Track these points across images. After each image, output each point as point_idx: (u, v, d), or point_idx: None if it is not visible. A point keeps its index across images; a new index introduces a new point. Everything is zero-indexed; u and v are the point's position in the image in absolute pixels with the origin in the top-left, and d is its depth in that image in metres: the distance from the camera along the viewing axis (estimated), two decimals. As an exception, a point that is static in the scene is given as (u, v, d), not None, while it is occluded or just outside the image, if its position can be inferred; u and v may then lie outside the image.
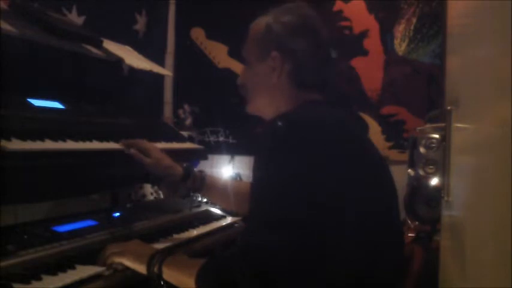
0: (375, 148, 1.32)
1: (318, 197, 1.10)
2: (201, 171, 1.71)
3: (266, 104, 1.38)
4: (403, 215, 2.44)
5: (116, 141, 1.60)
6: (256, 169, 1.17)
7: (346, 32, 3.03)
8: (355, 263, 1.14)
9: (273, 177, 1.13)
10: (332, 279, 1.12)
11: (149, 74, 2.24)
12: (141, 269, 1.27)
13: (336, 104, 1.36)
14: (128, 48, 2.26)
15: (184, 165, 1.67)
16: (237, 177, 3.07)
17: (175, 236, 1.66)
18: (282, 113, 1.24)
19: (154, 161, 1.57)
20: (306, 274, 1.10)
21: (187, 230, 1.74)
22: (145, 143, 1.60)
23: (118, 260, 1.30)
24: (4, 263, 1.18)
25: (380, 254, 1.18)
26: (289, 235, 1.08)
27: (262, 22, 1.36)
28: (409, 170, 2.31)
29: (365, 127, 1.49)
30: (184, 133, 2.26)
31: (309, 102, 1.32)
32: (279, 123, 1.16)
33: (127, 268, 1.30)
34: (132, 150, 1.56)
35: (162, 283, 1.24)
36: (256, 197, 1.17)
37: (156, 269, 1.24)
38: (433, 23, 2.90)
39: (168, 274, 1.23)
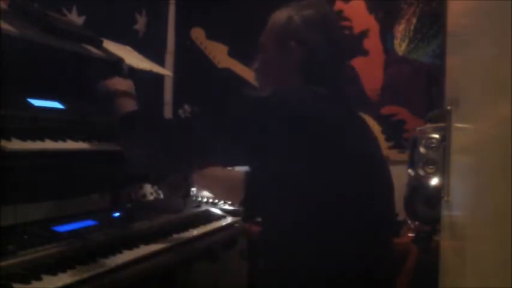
0: (361, 145, 1.38)
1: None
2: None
3: (270, 83, 1.45)
4: (402, 215, 2.44)
5: (116, 141, 1.59)
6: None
7: (346, 32, 3.02)
8: None
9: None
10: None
11: (149, 74, 2.24)
12: None
13: (337, 101, 1.38)
14: (128, 48, 2.25)
15: None
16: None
17: (175, 236, 1.66)
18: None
19: None
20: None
21: (187, 230, 1.74)
22: None
23: None
24: (4, 263, 1.18)
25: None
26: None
27: (283, 14, 1.43)
28: (409, 170, 2.31)
29: (361, 126, 1.49)
30: (184, 133, 2.25)
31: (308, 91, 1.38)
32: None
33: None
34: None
35: None
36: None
37: None
38: (433, 23, 2.89)
39: None
